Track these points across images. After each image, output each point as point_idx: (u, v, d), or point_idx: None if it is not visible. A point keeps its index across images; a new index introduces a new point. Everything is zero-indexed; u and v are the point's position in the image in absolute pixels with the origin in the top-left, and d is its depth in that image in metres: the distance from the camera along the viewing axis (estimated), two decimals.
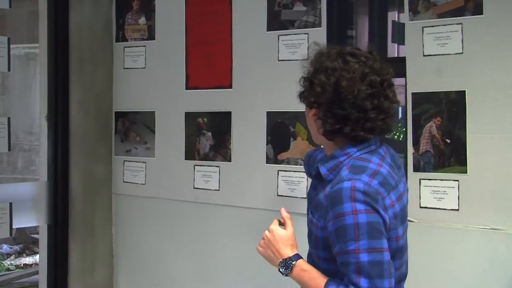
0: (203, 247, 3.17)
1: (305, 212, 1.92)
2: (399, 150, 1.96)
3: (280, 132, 2.92)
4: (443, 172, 2.48)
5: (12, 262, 6.74)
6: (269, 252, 1.83)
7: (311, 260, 1.82)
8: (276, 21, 2.92)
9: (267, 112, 2.95)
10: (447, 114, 2.48)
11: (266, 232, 1.85)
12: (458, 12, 2.45)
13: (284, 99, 2.82)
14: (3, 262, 6.67)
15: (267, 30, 2.95)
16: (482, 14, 2.40)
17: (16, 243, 7.10)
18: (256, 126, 2.97)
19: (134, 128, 3.41)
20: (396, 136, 4.48)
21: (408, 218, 1.90)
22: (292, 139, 2.88)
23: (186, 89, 3.21)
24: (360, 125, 1.73)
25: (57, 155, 3.31)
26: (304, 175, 2.65)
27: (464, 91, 2.43)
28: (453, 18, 2.46)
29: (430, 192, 2.51)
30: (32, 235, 7.07)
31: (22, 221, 3.28)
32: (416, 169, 2.54)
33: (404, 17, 2.59)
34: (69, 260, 3.36)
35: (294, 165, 2.86)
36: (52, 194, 3.31)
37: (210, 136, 3.14)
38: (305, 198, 2.68)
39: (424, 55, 2.52)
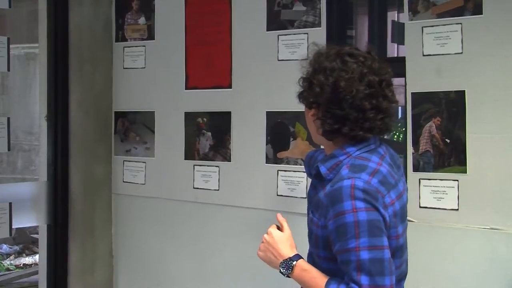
0: (202, 247, 3.17)
1: (305, 212, 1.92)
2: (399, 151, 1.96)
3: (279, 132, 2.92)
4: (443, 172, 2.48)
5: (11, 262, 6.74)
6: (269, 255, 1.83)
7: (311, 260, 1.83)
8: (276, 21, 2.92)
9: (266, 112, 2.95)
10: (446, 114, 2.48)
11: (265, 235, 1.85)
12: (458, 12, 2.45)
13: (283, 99, 2.82)
14: (3, 262, 6.68)
15: (267, 30, 2.95)
16: (481, 14, 2.40)
17: (15, 243, 7.10)
18: (255, 126, 2.97)
19: (134, 128, 3.41)
20: (396, 136, 4.49)
21: (408, 218, 1.91)
22: (292, 139, 2.88)
23: (186, 89, 3.21)
24: (359, 125, 1.73)
25: (56, 155, 3.31)
26: (304, 175, 2.65)
27: (464, 91, 2.43)
28: (453, 18, 2.46)
29: (429, 192, 2.51)
30: (31, 235, 7.08)
31: (21, 221, 3.29)
32: (416, 169, 2.54)
33: (404, 17, 2.59)
34: (69, 260, 3.35)
35: (293, 165, 2.86)
36: (52, 194, 3.31)
37: (209, 136, 3.14)
38: (305, 198, 2.68)
39: (423, 55, 2.52)
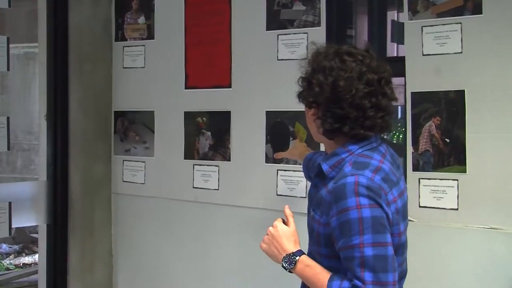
0: (202, 246, 3.17)
1: (304, 211, 1.92)
2: (398, 153, 1.96)
3: (279, 132, 2.92)
4: (443, 172, 2.48)
5: (11, 261, 6.73)
6: (273, 248, 1.83)
7: (312, 259, 1.82)
8: (276, 20, 2.92)
9: (266, 111, 2.95)
10: (446, 113, 2.48)
11: (270, 228, 1.85)
12: (458, 11, 2.45)
13: (283, 98, 2.82)
14: (2, 262, 6.67)
15: (267, 30, 2.95)
16: (481, 13, 2.40)
17: (15, 243, 7.09)
18: (255, 125, 2.97)
19: (134, 127, 3.41)
20: (395, 136, 4.49)
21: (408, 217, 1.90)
22: (291, 138, 2.88)
23: (186, 88, 3.21)
24: (359, 123, 1.73)
25: (56, 154, 3.31)
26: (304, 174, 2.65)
27: (464, 90, 2.43)
28: (453, 18, 2.46)
29: (429, 191, 2.51)
30: (31, 235, 7.07)
31: (21, 221, 3.29)
32: (416, 168, 2.54)
33: (404, 17, 2.59)
34: (69, 259, 3.35)
35: (293, 164, 2.86)
36: (52, 194, 3.31)
37: (209, 136, 3.14)
38: (305, 197, 2.69)
39: (423, 55, 2.52)
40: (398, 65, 2.53)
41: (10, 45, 2.86)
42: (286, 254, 1.79)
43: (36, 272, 4.50)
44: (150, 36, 3.34)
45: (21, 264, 6.69)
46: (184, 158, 3.21)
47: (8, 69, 2.87)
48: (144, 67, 3.36)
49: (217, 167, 3.11)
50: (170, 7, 3.26)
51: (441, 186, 2.48)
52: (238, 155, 3.05)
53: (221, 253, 3.10)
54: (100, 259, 3.46)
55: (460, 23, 2.44)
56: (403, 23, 2.60)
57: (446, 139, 2.48)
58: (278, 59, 2.91)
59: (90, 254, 3.41)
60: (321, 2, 2.79)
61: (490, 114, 2.38)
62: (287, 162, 2.89)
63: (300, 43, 2.84)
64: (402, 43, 2.64)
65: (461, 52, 2.44)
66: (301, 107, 1.89)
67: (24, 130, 8.19)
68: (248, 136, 3.00)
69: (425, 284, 2.46)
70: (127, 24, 3.42)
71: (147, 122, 3.35)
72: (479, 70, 2.40)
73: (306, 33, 2.83)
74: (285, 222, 1.87)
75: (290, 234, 1.83)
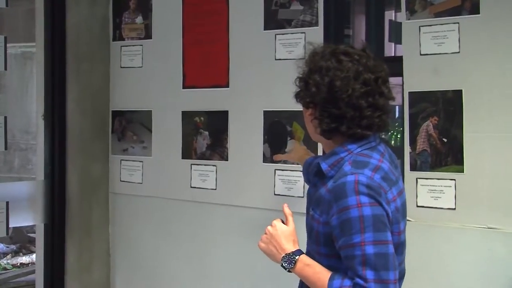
0: (200, 246, 3.16)
1: (302, 211, 1.92)
2: (397, 155, 1.96)
3: (277, 131, 2.92)
4: (440, 171, 2.48)
5: (8, 261, 6.72)
6: (271, 247, 1.82)
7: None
8: (273, 20, 2.92)
9: (264, 111, 2.95)
10: (444, 113, 2.48)
11: (269, 227, 1.85)
12: (455, 11, 2.45)
13: (281, 98, 2.82)
14: (0, 261, 6.66)
15: (264, 29, 2.95)
16: (479, 13, 2.40)
17: (12, 242, 7.08)
18: (253, 125, 2.97)
19: (131, 127, 3.41)
20: (393, 136, 4.50)
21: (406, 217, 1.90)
22: (289, 138, 2.88)
23: (183, 88, 3.20)
24: (356, 123, 1.73)
25: (53, 154, 3.30)
26: (301, 174, 2.64)
27: (461, 90, 2.44)
28: (450, 18, 2.46)
29: (427, 191, 2.51)
30: (28, 234, 7.05)
31: (18, 220, 3.28)
32: (413, 168, 2.54)
33: (401, 16, 2.59)
34: (66, 259, 3.35)
35: (291, 164, 2.86)
36: (49, 193, 3.30)
37: (207, 135, 3.14)
38: (302, 197, 2.69)
39: (421, 54, 2.53)
40: (396, 65, 2.53)
41: (8, 45, 2.86)
42: (286, 254, 1.78)
43: (33, 272, 4.50)
44: (148, 35, 3.34)
45: (18, 264, 6.68)
46: (182, 158, 3.21)
47: (5, 69, 2.86)
48: (141, 67, 3.36)
49: (214, 167, 3.11)
50: (167, 6, 3.26)
51: (439, 186, 2.48)
52: (236, 155, 3.05)
53: (218, 252, 3.10)
54: (98, 259, 3.46)
55: (458, 23, 2.44)
56: (400, 23, 2.60)
57: (443, 139, 2.48)
58: (275, 59, 2.91)
59: (87, 254, 3.41)
60: (319, 2, 2.79)
61: (488, 114, 2.38)
62: (285, 161, 2.89)
63: (298, 43, 2.84)
64: (400, 42, 2.64)
65: (458, 52, 2.44)
66: (298, 107, 1.89)
67: (21, 129, 8.17)
68: (246, 136, 3.00)
69: (422, 284, 2.46)
70: (124, 23, 3.42)
71: (144, 122, 3.35)
72: (477, 70, 2.40)
73: (304, 33, 2.83)
74: (284, 222, 1.87)
75: (289, 234, 1.82)
